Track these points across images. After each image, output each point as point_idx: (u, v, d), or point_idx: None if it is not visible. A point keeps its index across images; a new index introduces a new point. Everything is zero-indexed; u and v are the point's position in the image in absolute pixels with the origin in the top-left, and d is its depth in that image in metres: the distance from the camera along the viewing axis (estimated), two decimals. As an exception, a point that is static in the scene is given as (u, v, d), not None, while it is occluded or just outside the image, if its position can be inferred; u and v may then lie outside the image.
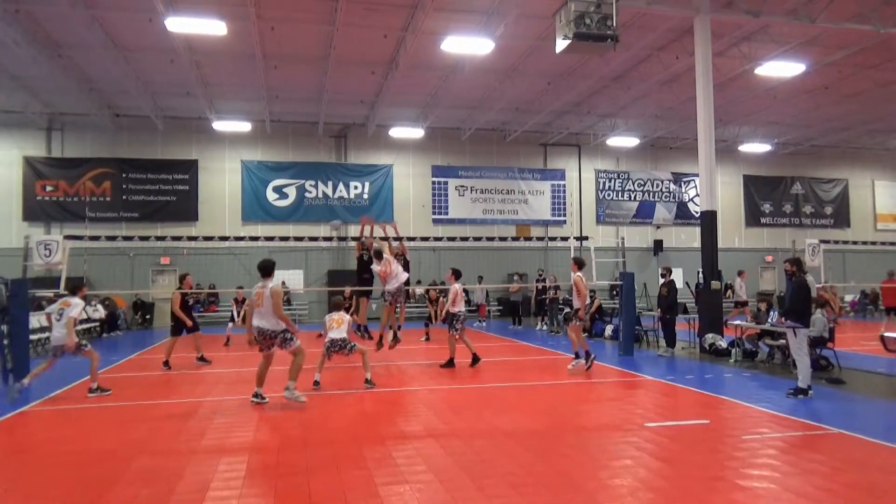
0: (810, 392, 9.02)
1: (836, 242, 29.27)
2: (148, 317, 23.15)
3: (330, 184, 25.27)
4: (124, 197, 23.62)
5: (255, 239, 21.04)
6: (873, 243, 30.58)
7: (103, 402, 9.07)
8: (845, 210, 31.12)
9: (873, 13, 14.52)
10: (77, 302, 9.70)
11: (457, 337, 12.02)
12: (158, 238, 22.33)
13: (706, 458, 6.15)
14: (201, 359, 12.71)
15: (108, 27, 15.62)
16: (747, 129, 26.09)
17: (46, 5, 14.17)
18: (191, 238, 20.91)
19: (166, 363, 12.17)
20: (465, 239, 25.71)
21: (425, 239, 25.65)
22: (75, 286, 10.28)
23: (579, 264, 11.60)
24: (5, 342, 11.04)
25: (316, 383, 9.65)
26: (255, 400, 8.52)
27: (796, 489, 5.17)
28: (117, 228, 23.27)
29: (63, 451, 6.59)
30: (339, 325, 9.70)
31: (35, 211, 23.01)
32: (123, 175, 23.62)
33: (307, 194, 25.06)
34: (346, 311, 11.72)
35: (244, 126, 23.20)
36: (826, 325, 11.40)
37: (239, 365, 12.70)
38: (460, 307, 12.14)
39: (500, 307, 25.92)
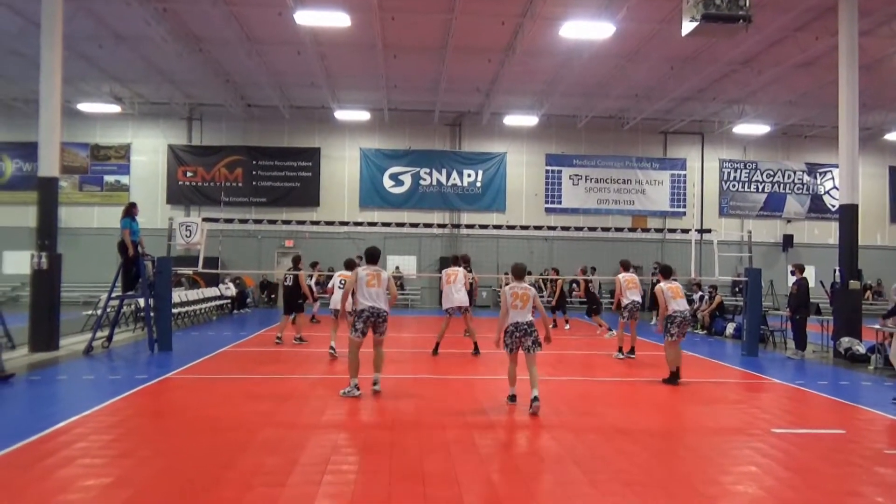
0: None
1: None
2: (273, 296, 24.55)
3: (444, 171, 25.59)
4: (254, 183, 25.15)
5: (372, 224, 21.69)
6: None
7: (234, 374, 9.72)
8: None
9: None
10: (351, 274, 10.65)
11: (624, 324, 12.13)
12: (284, 222, 23.60)
13: (841, 470, 5.68)
14: (299, 339, 13.32)
15: (242, 22, 16.59)
16: (894, 116, 23.66)
17: (190, 3, 15.26)
18: (313, 222, 21.92)
19: (300, 338, 13.23)
20: (578, 229, 25.22)
21: (538, 228, 25.43)
22: (351, 262, 11.57)
23: (625, 266, 12.45)
24: (152, 315, 12.12)
25: (512, 398, 7.89)
26: (376, 388, 8.31)
27: (950, 514, 4.67)
28: (247, 212, 24.83)
29: (198, 416, 7.13)
30: (525, 303, 7.52)
31: (177, 195, 25.01)
32: (253, 162, 25.14)
33: (422, 181, 25.52)
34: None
35: (363, 115, 23.97)
36: None
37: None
38: (631, 297, 12.04)
39: (611, 300, 25.18)
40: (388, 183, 25.46)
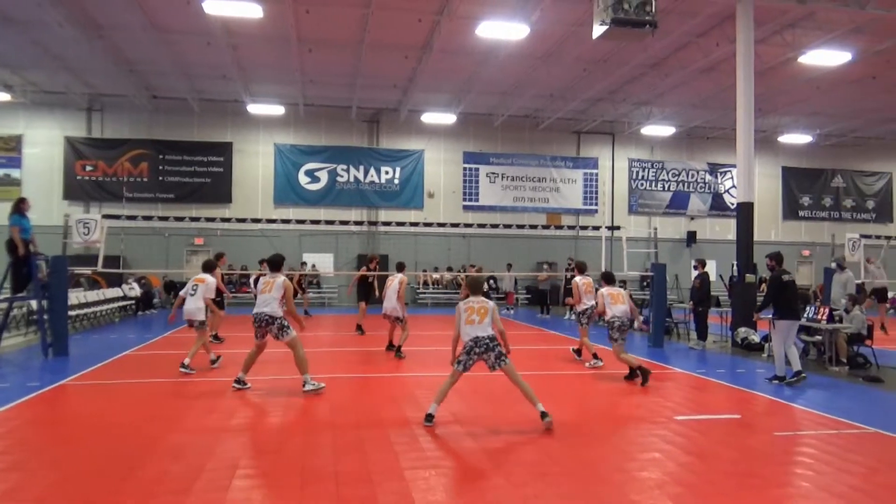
0: (800, 379, 9.31)
1: (878, 237, 28.49)
2: (182, 296, 23.56)
3: (361, 168, 25.35)
4: (160, 178, 24.03)
5: (287, 222, 21.24)
6: (917, 239, 29.72)
7: (137, 379, 9.27)
8: (889, 204, 30.17)
9: (928, 0, 13.96)
10: (211, 280, 10.28)
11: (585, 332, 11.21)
12: (193, 219, 22.71)
13: (737, 453, 6.04)
14: (215, 337, 12.88)
15: (146, 9, 15.79)
16: (788, 120, 25.40)
17: (88, -13, 14.41)
18: (224, 220, 21.21)
19: (215, 336, 12.70)
20: (494, 226, 25.63)
21: (455, 225, 25.67)
22: (210, 263, 10.76)
23: (581, 269, 11.71)
24: (45, 317, 11.36)
25: (429, 418, 6.84)
26: (237, 386, 8.34)
27: (830, 488, 5.05)
28: (153, 209, 23.73)
29: (96, 424, 6.75)
30: (482, 317, 6.84)
31: (75, 190, 23.55)
32: (160, 156, 24.03)
33: (339, 178, 25.18)
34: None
35: (278, 110, 23.40)
36: (864, 321, 11.11)
37: (273, 346, 12.88)
38: (589, 302, 11.03)
39: (529, 295, 25.82)
40: (303, 179, 24.96)
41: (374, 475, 5.20)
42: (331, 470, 5.32)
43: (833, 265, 15.51)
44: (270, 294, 8.24)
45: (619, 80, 20.84)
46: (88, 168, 23.64)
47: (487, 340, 6.75)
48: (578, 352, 11.45)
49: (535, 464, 5.57)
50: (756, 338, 13.13)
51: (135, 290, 20.16)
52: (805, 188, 29.38)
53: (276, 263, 8.62)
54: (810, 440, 6.50)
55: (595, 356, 10.83)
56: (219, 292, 13.06)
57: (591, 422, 7.15)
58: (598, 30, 12.27)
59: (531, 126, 26.34)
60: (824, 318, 11.04)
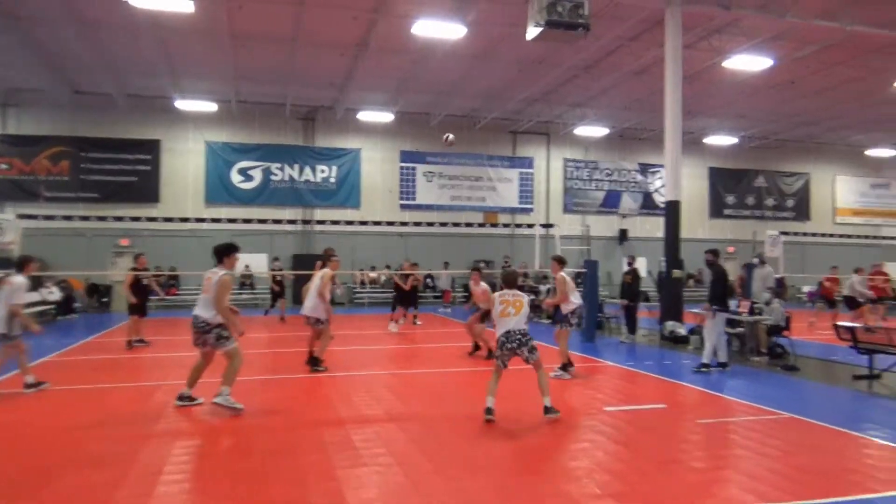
0: (714, 369, 10.01)
1: (797, 234, 30.12)
2: (105, 300, 22.64)
3: (297, 167, 24.94)
4: (82, 176, 22.96)
5: (218, 221, 20.72)
6: (832, 235, 31.57)
7: (56, 387, 8.85)
8: (806, 203, 31.87)
9: (841, 10, 14.78)
10: (19, 283, 8.24)
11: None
12: (117, 219, 21.87)
13: (662, 441, 6.28)
14: (140, 341, 12.53)
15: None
16: (714, 122, 26.48)
17: (0, -27, 13.66)
18: (150, 219, 20.49)
19: (130, 343, 12.20)
20: (431, 224, 25.79)
21: (392, 224, 25.69)
22: (23, 260, 8.82)
23: (561, 262, 10.19)
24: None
25: (489, 411, 6.86)
26: (179, 403, 7.31)
27: (749, 472, 5.32)
28: (74, 208, 22.69)
29: (12, 435, 6.42)
30: (518, 309, 6.96)
31: (-12, 189, 22.27)
32: (82, 154, 22.95)
33: (273, 177, 24.70)
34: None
35: (209, 106, 22.73)
36: (783, 313, 11.71)
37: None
38: (577, 301, 9.93)
39: (466, 293, 25.98)
40: (236, 178, 24.35)
41: (306, 476, 5.15)
42: (261, 472, 5.24)
43: (755, 261, 16.30)
44: (209, 295, 7.02)
45: (554, 82, 21.26)
46: (3, 166, 22.36)
47: (520, 336, 6.91)
48: (566, 367, 9.64)
49: (469, 458, 5.64)
50: (683, 331, 13.64)
51: (54, 293, 19.24)
52: (730, 188, 30.70)
53: (220, 253, 7.31)
54: (731, 426, 6.82)
55: (564, 366, 9.60)
56: (144, 295, 12.66)
57: (523, 415, 7.27)
58: (532, 31, 12.50)
59: (468, 126, 26.53)
60: (746, 310, 11.59)
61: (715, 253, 10.72)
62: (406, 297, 16.01)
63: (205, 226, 23.46)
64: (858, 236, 32.07)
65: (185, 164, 23.93)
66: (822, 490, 4.91)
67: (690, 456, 5.79)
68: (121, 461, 5.46)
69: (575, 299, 9.81)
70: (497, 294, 7.16)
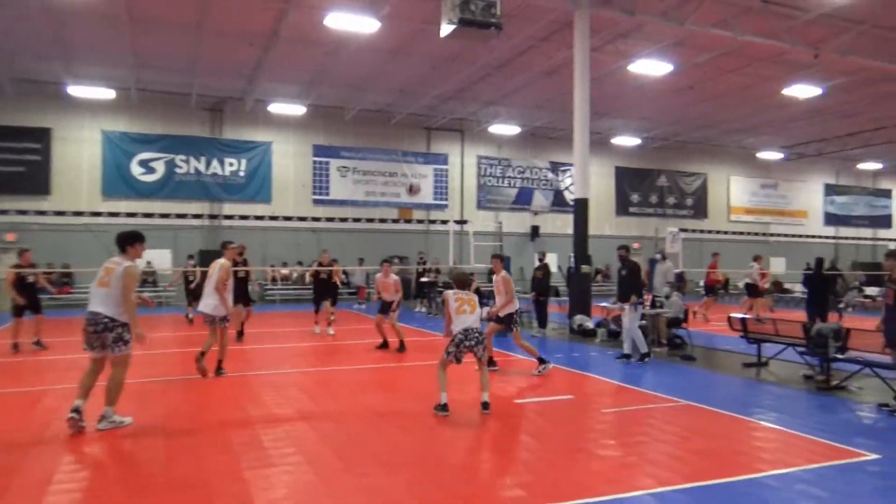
0: (647, 359, 10.64)
1: (695, 231, 31.90)
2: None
3: (203, 159, 23.99)
4: (-38, 166, 21.19)
5: (116, 215, 19.63)
6: (727, 233, 33.69)
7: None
8: (704, 202, 33.79)
9: (734, 20, 15.72)
10: None
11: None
12: (1, 212, 20.32)
13: (569, 430, 6.49)
14: (37, 343, 11.73)
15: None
16: (620, 123, 27.59)
17: None
18: (40, 213, 19.15)
19: (15, 346, 11.31)
20: (345, 220, 25.50)
21: (304, 220, 25.20)
22: None
23: (503, 260, 10.18)
24: None
25: (445, 407, 6.96)
26: (73, 415, 6.11)
27: (649, 457, 5.58)
28: (-47, 200, 20.92)
29: None
30: (473, 307, 7.15)
31: None
32: (-39, 141, 21.18)
33: (178, 170, 23.64)
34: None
35: (107, 94, 21.41)
36: (681, 306, 12.35)
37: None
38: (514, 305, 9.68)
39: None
40: (137, 170, 23.13)
41: (211, 478, 4.98)
42: (162, 478, 5.02)
43: (657, 256, 17.12)
44: (110, 288, 6.18)
45: (467, 80, 21.48)
46: None
47: (477, 334, 7.03)
48: (543, 360, 9.61)
49: (379, 454, 5.62)
50: (591, 324, 14.15)
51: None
52: (635, 186, 32.09)
53: (124, 241, 6.54)
54: (632, 415, 7.14)
55: (542, 360, 9.57)
56: (31, 294, 11.82)
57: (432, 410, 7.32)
58: (445, 28, 12.56)
59: (383, 121, 26.40)
60: (648, 304, 12.15)
61: (626, 248, 11.27)
62: (330, 291, 14.40)
63: (101, 220, 22.19)
64: (750, 233, 34.39)
65: (79, 155, 22.49)
66: (715, 471, 5.22)
67: (596, 444, 6.02)
68: (3, 471, 5.08)
69: (516, 299, 9.72)
70: (451, 292, 7.25)
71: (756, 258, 18.31)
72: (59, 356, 11.07)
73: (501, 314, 9.66)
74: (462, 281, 7.49)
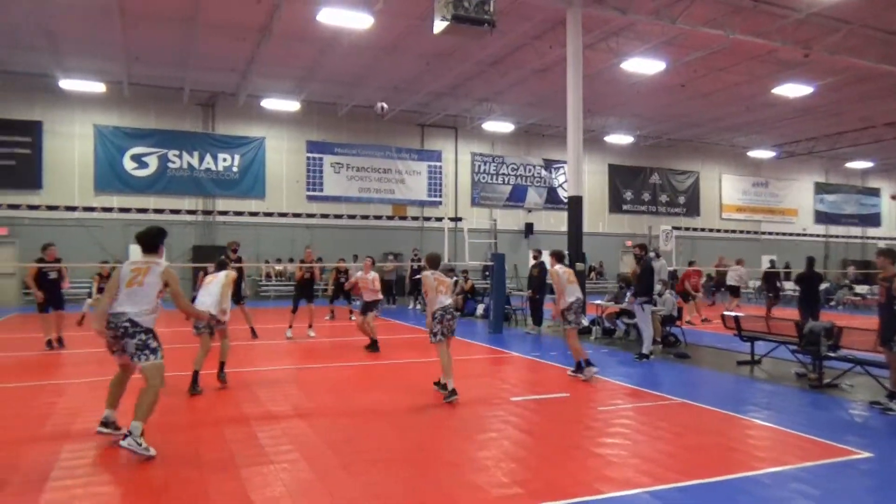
0: (651, 357, 10.67)
1: (687, 229, 32.05)
2: (-20, 295, 20.85)
3: (196, 154, 23.85)
4: (-48, 160, 20.98)
5: (109, 210, 19.51)
6: (718, 231, 33.86)
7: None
8: (696, 200, 33.92)
9: (725, 19, 15.79)
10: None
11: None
12: (-7, 206, 20.17)
13: (565, 428, 6.52)
14: (58, 340, 11.40)
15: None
16: (613, 121, 27.63)
17: None
18: (32, 207, 18.99)
19: (49, 343, 11.17)
20: (339, 216, 25.44)
21: (298, 216, 25.14)
22: None
23: (558, 257, 9.67)
24: None
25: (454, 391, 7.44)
26: (103, 430, 5.82)
27: (643, 454, 5.61)
28: (-58, 195, 20.73)
29: None
30: (447, 289, 7.80)
31: None
32: (-50, 135, 20.96)
33: (170, 164, 23.50)
34: None
35: (98, 87, 21.23)
36: (675, 304, 12.41)
37: (93, 346, 11.80)
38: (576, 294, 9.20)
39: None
40: (129, 165, 22.96)
41: (208, 475, 4.96)
42: (159, 475, 5.00)
43: (651, 254, 17.15)
44: (143, 288, 5.60)
45: (461, 77, 21.45)
46: None
47: (453, 310, 7.70)
48: (580, 366, 9.05)
49: (375, 450, 5.62)
50: (585, 321, 14.16)
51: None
52: (628, 184, 32.17)
53: (154, 237, 6.00)
54: (628, 412, 7.17)
55: (583, 364, 9.00)
56: (56, 288, 11.51)
57: (430, 407, 7.33)
58: (439, 25, 12.54)
59: (377, 117, 26.21)
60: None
61: (643, 247, 11.31)
62: (309, 290, 13.90)
63: (94, 215, 22.06)
64: (742, 231, 34.57)
65: (70, 149, 22.31)
66: (709, 469, 5.25)
67: (592, 442, 6.04)
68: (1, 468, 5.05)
69: (570, 294, 9.07)
70: (429, 272, 7.71)
71: (739, 261, 18.66)
72: (68, 350, 11.00)
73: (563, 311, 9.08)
74: (435, 260, 7.99)
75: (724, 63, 19.36)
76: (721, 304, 18.74)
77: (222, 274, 8.47)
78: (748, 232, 34.81)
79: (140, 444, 5.28)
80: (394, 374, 9.55)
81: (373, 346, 11.25)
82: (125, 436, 5.32)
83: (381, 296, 11.77)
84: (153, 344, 5.55)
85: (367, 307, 11.54)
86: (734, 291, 18.07)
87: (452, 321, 7.59)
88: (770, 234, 35.33)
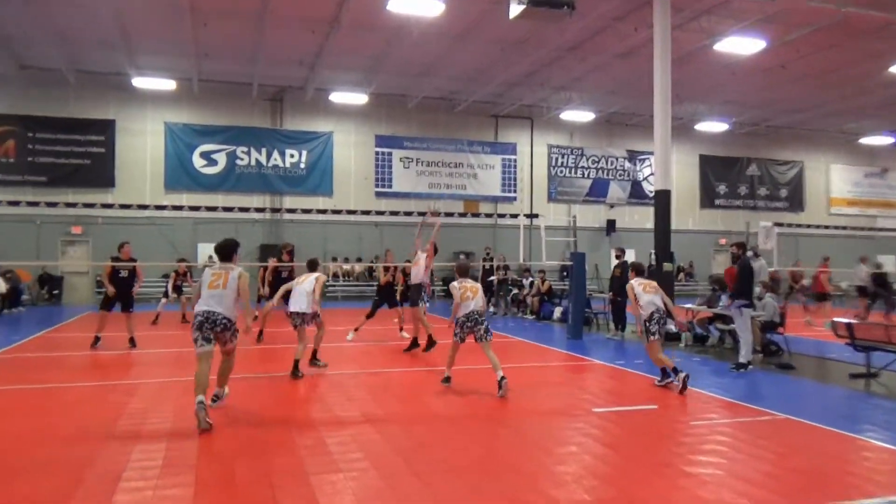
0: (750, 367, 10.18)
1: (790, 226, 30.60)
2: (56, 292, 22.23)
3: (264, 151, 24.67)
4: (30, 158, 22.48)
5: (179, 208, 20.42)
6: (826, 227, 32.13)
7: (3, 386, 8.65)
8: (800, 193, 32.39)
9: (835, -9, 15.01)
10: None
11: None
12: (69, 205, 21.43)
13: (653, 443, 6.32)
14: (130, 341, 11.81)
15: (11, -34, 14.71)
16: (704, 108, 26.71)
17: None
18: (106, 206, 20.11)
19: (96, 340, 11.59)
20: (409, 213, 25.65)
21: (367, 213, 25.54)
22: None
23: (637, 270, 9.62)
24: None
25: (447, 379, 8.79)
26: (207, 406, 6.63)
27: (742, 475, 5.37)
28: (22, 193, 22.24)
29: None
30: (475, 294, 8.58)
31: (-75, 172, 21.70)
32: (29, 134, 22.46)
33: (238, 161, 24.40)
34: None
35: (169, 84, 22.30)
36: (776, 309, 11.86)
37: (164, 345, 12.37)
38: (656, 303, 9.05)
39: (447, 287, 25.97)
40: (199, 162, 24.00)
41: (277, 480, 5.09)
42: (228, 477, 5.17)
43: (749, 254, 16.48)
44: (224, 290, 6.95)
45: (537, 64, 21.25)
46: (-58, 147, 21.83)
47: (477, 315, 8.46)
48: (667, 373, 8.87)
49: (447, 459, 5.62)
50: (674, 328, 13.75)
51: None
52: (721, 176, 31.06)
53: (231, 249, 7.37)
54: (724, 428, 6.89)
55: (669, 371, 8.79)
56: (126, 288, 12.05)
57: (506, 416, 7.28)
58: (515, 9, 12.48)
59: (447, 108, 26.44)
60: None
61: (742, 246, 10.90)
62: (391, 295, 14.59)
63: (165, 213, 23.14)
64: (853, 227, 32.69)
65: (142, 147, 23.53)
66: (818, 494, 4.97)
67: (683, 459, 5.84)
68: (75, 467, 5.34)
69: (647, 304, 8.88)
70: (456, 282, 8.68)
71: (862, 259, 17.61)
72: (127, 351, 11.59)
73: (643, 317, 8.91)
74: (464, 269, 9.01)
75: (833, 40, 18.35)
76: (815, 307, 17.80)
77: (314, 275, 9.75)
78: (861, 228, 32.86)
79: (225, 393, 7.57)
80: (467, 379, 9.53)
81: (429, 345, 11.10)
82: (214, 398, 7.33)
83: (427, 279, 11.80)
84: (236, 332, 7.25)
85: (415, 294, 11.54)
86: (863, 292, 17.11)
87: (475, 326, 8.43)
88: (888, 230, 33.19)
